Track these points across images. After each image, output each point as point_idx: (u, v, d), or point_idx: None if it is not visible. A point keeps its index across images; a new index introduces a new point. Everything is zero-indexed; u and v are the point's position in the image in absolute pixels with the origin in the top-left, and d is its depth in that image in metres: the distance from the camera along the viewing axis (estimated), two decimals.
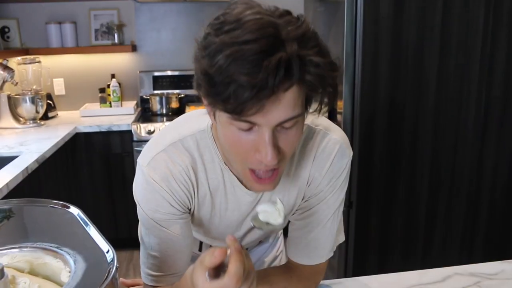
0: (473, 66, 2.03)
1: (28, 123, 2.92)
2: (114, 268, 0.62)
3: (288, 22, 0.66)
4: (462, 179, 2.14)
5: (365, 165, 2.07)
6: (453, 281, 1.08)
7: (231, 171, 0.87)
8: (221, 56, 0.63)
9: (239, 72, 0.62)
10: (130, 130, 2.94)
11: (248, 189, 0.89)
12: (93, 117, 3.17)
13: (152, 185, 0.84)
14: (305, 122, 0.89)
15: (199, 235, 1.05)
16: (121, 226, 3.04)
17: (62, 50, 3.28)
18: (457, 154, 2.11)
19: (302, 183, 0.91)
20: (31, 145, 2.44)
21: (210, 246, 1.13)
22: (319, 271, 0.99)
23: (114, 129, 2.95)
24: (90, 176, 2.98)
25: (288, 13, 0.68)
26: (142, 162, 0.86)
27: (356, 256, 2.18)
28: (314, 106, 0.74)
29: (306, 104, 0.72)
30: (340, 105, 2.10)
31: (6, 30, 3.24)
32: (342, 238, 1.01)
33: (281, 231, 1.31)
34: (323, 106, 0.73)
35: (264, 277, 0.94)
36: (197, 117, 0.90)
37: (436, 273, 1.12)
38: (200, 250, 1.15)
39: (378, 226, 2.17)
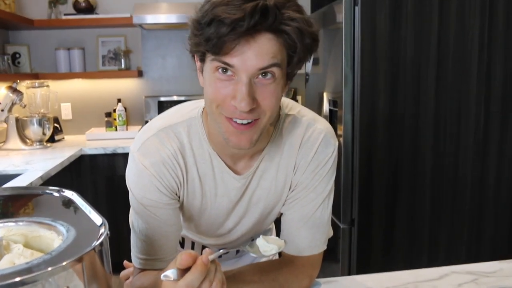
0: (471, 81, 2.07)
1: (34, 144, 2.97)
2: (105, 234, 0.63)
3: None
4: (464, 193, 2.15)
5: (366, 180, 2.08)
6: (450, 279, 1.08)
7: (219, 157, 0.91)
8: (208, 4, 0.76)
9: (221, 12, 0.72)
10: None
11: (236, 174, 0.93)
12: (99, 140, 3.22)
13: (142, 170, 0.88)
14: (291, 113, 0.94)
15: (190, 232, 1.07)
16: (124, 249, 2.99)
17: (70, 75, 3.37)
18: (458, 166, 2.12)
19: (289, 170, 0.95)
20: (37, 163, 2.47)
21: (203, 247, 1.14)
22: (311, 264, 0.98)
23: (119, 151, 2.98)
24: (95, 197, 3.00)
25: None
26: (134, 148, 0.91)
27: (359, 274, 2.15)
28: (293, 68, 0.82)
29: (287, 64, 0.80)
30: (340, 128, 2.13)
31: (17, 56, 3.34)
32: (331, 233, 1.03)
33: (274, 231, 1.32)
34: (301, 58, 0.80)
35: (254, 268, 0.95)
36: (189, 107, 0.96)
37: (433, 271, 1.11)
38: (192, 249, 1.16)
39: (381, 244, 2.15)
